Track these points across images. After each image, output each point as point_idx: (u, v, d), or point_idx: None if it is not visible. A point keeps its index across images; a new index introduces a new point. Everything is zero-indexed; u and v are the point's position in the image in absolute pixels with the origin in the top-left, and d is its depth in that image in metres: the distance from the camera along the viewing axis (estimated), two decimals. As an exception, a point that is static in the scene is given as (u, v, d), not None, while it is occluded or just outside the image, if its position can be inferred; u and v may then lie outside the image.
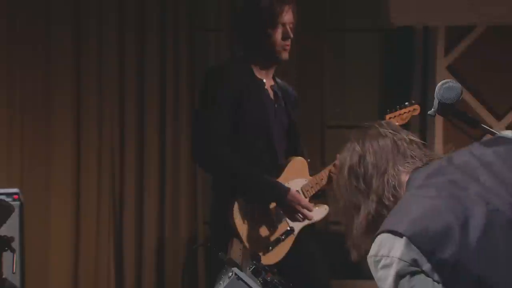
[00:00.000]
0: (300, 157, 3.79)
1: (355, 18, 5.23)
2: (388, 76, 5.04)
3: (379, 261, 1.86)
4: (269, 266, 2.66)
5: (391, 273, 1.84)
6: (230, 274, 2.35)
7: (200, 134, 3.59)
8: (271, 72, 3.77)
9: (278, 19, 3.62)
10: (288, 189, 3.59)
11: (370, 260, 1.89)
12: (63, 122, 5.03)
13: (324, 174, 3.77)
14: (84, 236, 5.03)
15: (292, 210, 3.58)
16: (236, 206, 3.58)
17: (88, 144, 5.05)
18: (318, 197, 3.83)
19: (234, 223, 3.54)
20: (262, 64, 3.70)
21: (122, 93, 5.07)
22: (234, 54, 3.89)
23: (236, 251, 2.56)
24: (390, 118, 3.88)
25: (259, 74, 3.71)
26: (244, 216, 3.58)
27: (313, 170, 3.86)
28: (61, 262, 5.02)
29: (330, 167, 3.78)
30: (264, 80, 3.73)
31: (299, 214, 3.59)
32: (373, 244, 1.88)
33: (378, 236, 1.87)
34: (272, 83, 3.78)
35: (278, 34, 3.63)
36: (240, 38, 3.72)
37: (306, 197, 3.74)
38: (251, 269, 2.46)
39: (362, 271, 5.16)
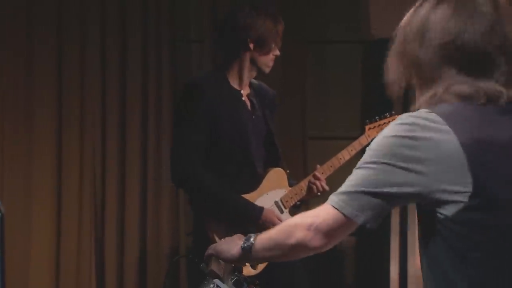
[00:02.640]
0: (278, 168, 3.79)
1: (337, 29, 5.25)
2: (370, 87, 5.06)
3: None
4: (250, 277, 2.65)
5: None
6: (212, 285, 2.35)
7: (177, 153, 3.60)
8: (249, 81, 3.78)
9: (275, 40, 3.68)
10: (261, 210, 3.60)
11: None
12: (43, 127, 5.01)
13: (303, 185, 3.77)
14: (64, 246, 5.01)
15: (266, 229, 3.58)
16: (213, 219, 3.58)
17: (69, 155, 5.03)
18: (298, 207, 3.84)
19: (213, 237, 3.54)
20: (245, 75, 3.71)
21: (104, 107, 5.06)
22: (214, 66, 3.92)
23: (217, 263, 2.56)
24: (369, 128, 3.89)
25: (236, 84, 3.71)
26: (223, 228, 3.57)
27: (295, 180, 3.87)
28: (42, 272, 4.99)
29: (310, 177, 3.79)
30: (242, 91, 3.74)
31: None
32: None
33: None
34: (249, 91, 3.79)
35: (272, 53, 3.69)
36: (228, 51, 3.72)
37: (286, 208, 3.74)
38: (233, 280, 2.45)
39: (342, 283, 5.17)
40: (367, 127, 3.91)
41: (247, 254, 2.11)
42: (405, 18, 1.90)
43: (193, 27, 5.21)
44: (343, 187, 1.86)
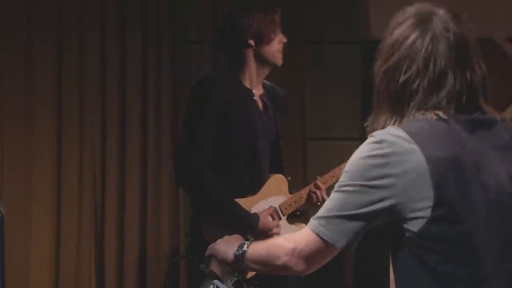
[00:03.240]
0: (280, 175, 3.78)
1: (335, 30, 5.25)
2: (369, 88, 5.06)
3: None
4: (250, 278, 2.65)
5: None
6: (212, 286, 2.35)
7: (185, 154, 3.59)
8: (261, 80, 3.78)
9: (279, 28, 3.68)
10: (258, 220, 3.60)
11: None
12: (43, 127, 5.00)
13: (304, 193, 3.76)
14: (64, 246, 5.00)
15: (263, 235, 3.58)
16: (211, 222, 3.58)
17: (69, 156, 5.03)
18: (297, 217, 3.83)
19: (211, 239, 3.53)
20: (256, 72, 3.71)
21: (104, 107, 5.05)
22: (224, 65, 3.91)
23: (217, 263, 2.56)
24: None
25: (248, 84, 3.71)
26: (220, 232, 3.57)
27: (294, 182, 3.87)
28: (41, 272, 4.99)
29: (311, 186, 3.77)
30: (254, 90, 3.73)
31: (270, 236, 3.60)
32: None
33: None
34: (261, 91, 3.79)
35: (277, 40, 3.68)
36: (232, 49, 3.72)
37: (284, 215, 3.73)
38: (233, 281, 2.45)
39: (342, 284, 5.17)
40: (369, 133, 3.90)
41: (239, 262, 2.15)
42: (390, 32, 1.94)
43: (193, 27, 5.21)
44: (322, 211, 1.92)
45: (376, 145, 1.85)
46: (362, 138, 3.99)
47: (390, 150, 1.83)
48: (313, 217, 1.94)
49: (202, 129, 3.56)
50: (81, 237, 5.01)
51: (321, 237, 1.90)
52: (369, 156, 1.85)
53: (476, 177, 1.83)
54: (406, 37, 1.89)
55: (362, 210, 1.85)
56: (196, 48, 5.19)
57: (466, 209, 1.81)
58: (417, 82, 1.87)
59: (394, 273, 1.92)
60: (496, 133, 1.90)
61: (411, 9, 1.94)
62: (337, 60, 5.25)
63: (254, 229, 3.58)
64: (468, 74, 1.88)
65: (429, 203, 1.80)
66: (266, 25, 3.66)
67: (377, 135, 1.87)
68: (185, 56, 5.17)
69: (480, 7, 4.85)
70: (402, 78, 1.88)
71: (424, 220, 1.80)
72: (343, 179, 1.89)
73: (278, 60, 3.72)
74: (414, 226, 1.82)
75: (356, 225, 1.87)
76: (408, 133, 1.83)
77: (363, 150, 1.88)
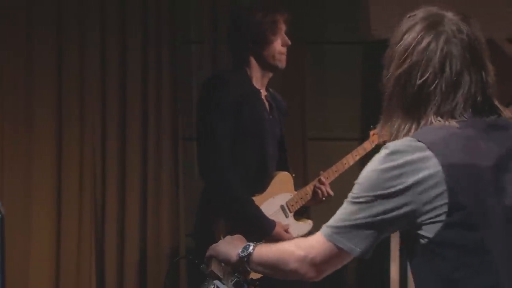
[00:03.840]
0: (285, 172, 3.79)
1: (336, 30, 5.25)
2: (370, 88, 5.06)
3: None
4: (251, 279, 2.65)
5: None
6: (212, 286, 2.35)
7: (208, 156, 3.57)
8: (266, 82, 3.78)
9: (279, 30, 3.66)
10: (274, 226, 3.59)
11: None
12: (43, 127, 5.00)
13: (309, 189, 3.78)
14: (64, 246, 5.01)
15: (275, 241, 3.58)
16: (221, 221, 3.58)
17: (69, 156, 5.03)
18: (301, 214, 3.84)
19: (220, 236, 3.53)
20: (260, 73, 3.71)
21: (104, 107, 5.05)
22: (224, 65, 3.91)
23: (218, 264, 2.56)
24: (374, 134, 3.89)
25: (256, 84, 3.72)
26: (227, 230, 3.57)
27: (295, 182, 3.87)
28: (42, 273, 4.99)
29: (315, 182, 3.79)
30: (261, 90, 3.75)
31: None
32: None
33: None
34: (266, 93, 3.80)
35: (279, 42, 3.67)
36: (238, 49, 3.72)
37: (291, 212, 3.74)
38: (233, 282, 2.45)
39: (343, 283, 5.17)
40: (371, 132, 3.90)
41: (243, 264, 2.14)
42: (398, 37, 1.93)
43: (193, 27, 5.21)
44: (335, 220, 1.92)
45: (390, 157, 1.85)
46: (362, 139, 4.00)
47: (403, 161, 1.83)
48: (325, 224, 1.94)
49: (222, 127, 3.56)
50: (81, 237, 5.01)
51: (336, 245, 1.90)
52: (384, 169, 1.85)
53: (492, 183, 1.83)
54: (419, 41, 1.89)
55: (377, 219, 1.86)
56: (196, 48, 5.19)
57: (481, 216, 1.81)
58: (434, 85, 1.86)
59: (414, 280, 1.93)
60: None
61: (419, 14, 1.93)
62: (338, 60, 5.25)
63: (268, 234, 3.58)
64: (482, 74, 1.88)
65: (445, 209, 1.80)
66: (265, 26, 3.64)
67: (390, 146, 1.87)
68: (185, 56, 5.17)
69: (480, 7, 4.85)
70: (418, 82, 1.87)
71: (440, 226, 1.81)
72: (356, 190, 1.89)
73: (279, 63, 3.70)
74: (429, 232, 1.83)
75: (371, 232, 1.88)
76: (423, 140, 1.84)
77: (376, 163, 1.87)
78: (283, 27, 3.71)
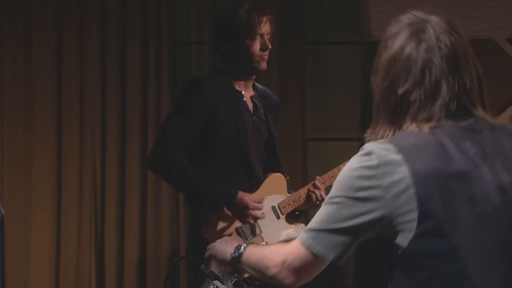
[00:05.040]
0: (278, 173, 3.77)
1: (336, 31, 5.25)
2: (369, 88, 5.06)
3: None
4: (250, 279, 2.65)
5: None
6: (211, 287, 2.35)
7: (159, 139, 3.59)
8: (250, 82, 3.75)
9: (256, 30, 3.61)
10: (235, 193, 3.57)
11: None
12: (43, 129, 5.01)
13: (303, 192, 3.74)
14: (64, 247, 5.01)
15: (240, 213, 3.56)
16: (207, 219, 3.57)
17: (69, 156, 5.03)
18: (296, 217, 3.82)
19: (205, 235, 3.53)
20: (240, 75, 3.69)
21: (104, 108, 5.05)
22: (217, 66, 3.89)
23: (217, 264, 2.56)
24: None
25: (238, 85, 3.70)
26: (217, 230, 3.56)
27: (295, 182, 3.86)
28: (41, 273, 4.99)
29: (309, 186, 3.76)
30: (243, 92, 3.71)
31: (249, 217, 3.57)
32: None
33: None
34: (252, 93, 3.76)
35: (257, 45, 3.62)
36: (219, 50, 3.71)
37: (283, 214, 3.72)
38: (233, 282, 2.45)
39: (342, 284, 5.16)
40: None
41: (235, 263, 2.16)
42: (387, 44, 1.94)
43: (193, 27, 5.21)
44: (312, 224, 1.92)
45: (365, 157, 1.86)
46: (362, 139, 3.98)
47: (377, 162, 1.84)
48: (303, 229, 1.95)
49: (181, 128, 3.56)
50: (81, 237, 5.01)
51: (310, 250, 1.90)
52: (357, 168, 1.86)
53: (463, 189, 1.83)
54: (402, 50, 1.91)
55: (350, 223, 1.86)
56: (196, 48, 5.19)
57: (452, 223, 1.81)
58: (414, 93, 1.88)
59: None
60: (486, 141, 1.90)
61: (405, 19, 1.94)
62: (338, 60, 5.25)
63: (230, 202, 3.56)
64: (461, 82, 1.89)
65: (415, 216, 1.80)
66: (245, 27, 3.61)
67: (366, 147, 1.88)
68: (185, 56, 5.17)
69: (480, 7, 4.85)
70: (400, 90, 1.89)
71: (412, 234, 1.81)
72: (333, 191, 1.91)
73: (258, 65, 3.66)
74: (402, 241, 1.83)
75: (344, 238, 1.88)
76: (396, 145, 1.85)
77: (352, 163, 1.88)
78: (264, 29, 3.65)
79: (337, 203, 1.88)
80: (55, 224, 5.01)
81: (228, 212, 3.58)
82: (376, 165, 1.84)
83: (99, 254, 5.05)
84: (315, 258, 1.90)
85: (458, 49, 1.91)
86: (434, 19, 1.93)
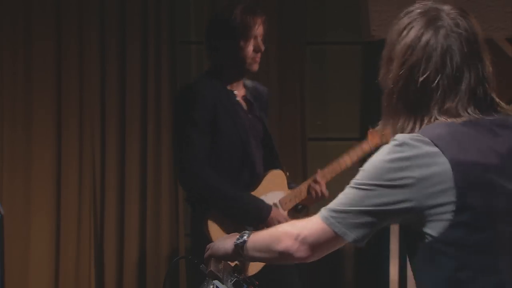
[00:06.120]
0: (278, 170, 3.78)
1: (336, 30, 5.25)
2: (369, 88, 5.06)
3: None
4: (250, 278, 2.65)
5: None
6: (211, 287, 2.35)
7: (183, 159, 3.58)
8: (241, 82, 3.76)
9: (250, 32, 3.62)
10: (270, 209, 3.57)
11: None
12: (43, 129, 5.00)
13: (303, 188, 3.75)
14: (64, 247, 5.00)
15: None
16: (211, 217, 3.57)
17: (69, 156, 5.03)
18: (299, 211, 3.82)
19: (209, 235, 3.53)
20: (232, 76, 3.70)
21: (103, 108, 5.05)
22: (207, 68, 3.90)
23: (217, 264, 2.56)
24: (372, 134, 3.87)
25: (229, 86, 3.70)
26: (221, 227, 3.57)
27: (294, 182, 3.86)
28: (41, 273, 4.99)
29: (310, 181, 3.77)
30: (235, 92, 3.72)
31: None
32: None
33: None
34: (243, 92, 3.77)
35: (250, 47, 3.63)
36: (211, 50, 3.72)
37: (284, 210, 3.72)
38: (232, 281, 2.45)
39: (342, 284, 5.17)
40: (369, 133, 3.87)
41: (239, 251, 2.13)
42: (395, 36, 1.92)
43: (192, 27, 5.21)
44: (334, 203, 1.91)
45: (398, 148, 1.83)
46: (362, 139, 3.98)
47: (411, 153, 1.82)
48: (324, 207, 1.93)
49: (199, 134, 3.56)
50: (81, 237, 5.01)
51: (330, 227, 1.88)
52: (390, 159, 1.83)
53: (499, 182, 1.82)
54: (419, 38, 1.88)
55: (377, 209, 1.84)
56: (196, 48, 5.19)
57: (488, 216, 1.80)
58: (436, 81, 1.85)
59: (415, 279, 1.91)
60: None
61: (416, 9, 1.93)
62: (338, 60, 5.25)
63: (265, 218, 3.56)
64: (481, 68, 1.88)
65: (452, 207, 1.79)
66: (239, 29, 3.61)
67: (399, 138, 1.85)
68: (185, 56, 5.17)
69: (479, 7, 4.85)
70: (421, 79, 1.86)
71: (446, 225, 1.79)
72: (359, 177, 1.88)
73: (250, 67, 3.67)
74: (434, 230, 1.81)
75: (368, 221, 1.85)
76: (430, 137, 1.82)
77: (384, 152, 1.86)
78: (258, 31, 3.65)
79: (364, 189, 1.85)
80: (54, 224, 5.01)
81: None
82: (410, 156, 1.81)
83: (98, 254, 5.05)
84: (335, 236, 1.89)
85: (477, 34, 1.90)
86: (446, 6, 1.92)
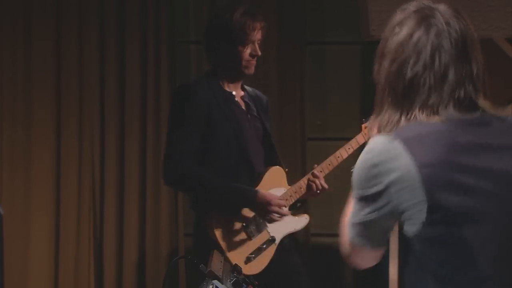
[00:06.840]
0: (278, 167, 3.80)
1: (335, 31, 5.25)
2: (369, 88, 5.06)
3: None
4: (249, 278, 2.66)
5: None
6: (211, 286, 2.35)
7: (167, 154, 3.61)
8: (239, 84, 3.79)
9: (249, 38, 3.64)
10: (256, 192, 3.59)
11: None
12: (42, 129, 5.01)
13: (303, 183, 3.79)
14: (63, 247, 5.01)
15: (265, 211, 3.59)
16: (214, 217, 3.58)
17: (68, 156, 5.03)
18: (298, 208, 3.84)
19: (214, 234, 3.55)
20: (229, 77, 3.73)
21: (102, 108, 5.06)
22: (207, 69, 3.91)
23: (216, 264, 2.56)
24: (366, 127, 3.90)
25: (227, 87, 3.73)
26: (224, 227, 3.58)
27: (294, 182, 3.87)
28: (40, 273, 4.99)
29: (309, 175, 3.80)
30: (234, 92, 3.75)
31: (274, 214, 3.60)
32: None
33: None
34: (242, 93, 3.80)
35: (247, 51, 3.66)
36: (209, 50, 3.74)
37: (285, 206, 3.74)
38: (232, 281, 2.45)
39: (342, 283, 5.17)
40: (363, 126, 3.93)
41: None
42: (391, 32, 1.94)
43: (192, 27, 5.21)
44: (350, 217, 1.98)
45: (367, 156, 1.89)
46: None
47: (378, 160, 1.86)
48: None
49: (185, 136, 3.58)
50: (80, 237, 5.01)
51: (353, 243, 1.96)
52: (363, 168, 1.89)
53: (473, 180, 1.84)
54: (411, 36, 1.91)
55: (369, 217, 1.90)
56: (195, 47, 5.19)
57: (462, 213, 1.82)
58: (423, 77, 1.89)
59: (403, 276, 1.95)
60: (494, 133, 1.90)
61: (411, 7, 1.96)
62: (337, 60, 5.25)
63: (252, 201, 3.57)
64: (468, 69, 1.90)
65: (424, 207, 1.82)
66: (238, 33, 3.62)
67: (370, 143, 1.91)
68: (185, 56, 5.17)
69: (479, 7, 4.85)
70: (409, 74, 1.89)
71: (422, 224, 1.83)
72: (352, 186, 1.95)
73: (246, 70, 3.69)
74: (413, 229, 1.85)
75: (372, 229, 1.93)
76: (401, 138, 1.85)
77: (359, 161, 1.92)
78: (256, 36, 3.67)
79: (355, 199, 1.93)
80: (54, 223, 5.02)
81: (249, 213, 3.60)
82: (377, 163, 1.86)
83: (98, 254, 5.05)
84: (359, 248, 1.96)
85: (467, 35, 1.92)
86: (441, 6, 1.95)
